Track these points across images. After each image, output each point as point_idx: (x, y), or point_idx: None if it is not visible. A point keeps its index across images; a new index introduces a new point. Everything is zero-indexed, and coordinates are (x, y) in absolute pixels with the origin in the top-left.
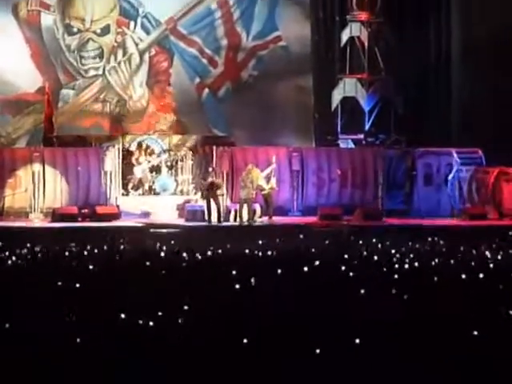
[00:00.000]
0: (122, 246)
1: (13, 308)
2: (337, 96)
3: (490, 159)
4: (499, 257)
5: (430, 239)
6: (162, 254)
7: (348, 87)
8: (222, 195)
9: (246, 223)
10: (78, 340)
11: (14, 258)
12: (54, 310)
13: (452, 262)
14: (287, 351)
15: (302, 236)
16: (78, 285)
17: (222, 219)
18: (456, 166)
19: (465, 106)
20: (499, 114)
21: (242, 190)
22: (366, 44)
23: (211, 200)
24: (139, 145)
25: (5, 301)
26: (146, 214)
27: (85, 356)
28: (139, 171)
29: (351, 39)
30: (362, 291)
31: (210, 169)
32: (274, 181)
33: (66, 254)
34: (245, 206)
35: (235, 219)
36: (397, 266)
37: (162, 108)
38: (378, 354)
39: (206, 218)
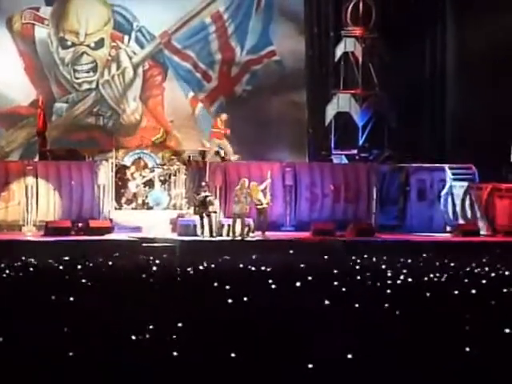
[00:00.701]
0: (115, 260)
1: (6, 321)
2: (330, 111)
3: (483, 175)
4: (492, 273)
5: (423, 255)
6: (155, 268)
7: (342, 102)
8: (215, 212)
9: (239, 238)
10: (71, 354)
11: (7, 271)
12: (47, 323)
13: (445, 277)
14: (280, 365)
15: (294, 251)
16: (71, 298)
17: (214, 234)
18: (449, 181)
19: (459, 122)
20: (493, 130)
21: (235, 204)
22: (360, 59)
23: (204, 214)
24: (135, 160)
25: None
26: (138, 229)
27: (78, 369)
28: (134, 186)
29: (345, 54)
30: (356, 306)
31: (203, 183)
32: (269, 196)
33: (59, 267)
34: (238, 220)
35: (228, 234)
36: (390, 281)
37: (216, 134)
38: (370, 369)
39: (199, 232)
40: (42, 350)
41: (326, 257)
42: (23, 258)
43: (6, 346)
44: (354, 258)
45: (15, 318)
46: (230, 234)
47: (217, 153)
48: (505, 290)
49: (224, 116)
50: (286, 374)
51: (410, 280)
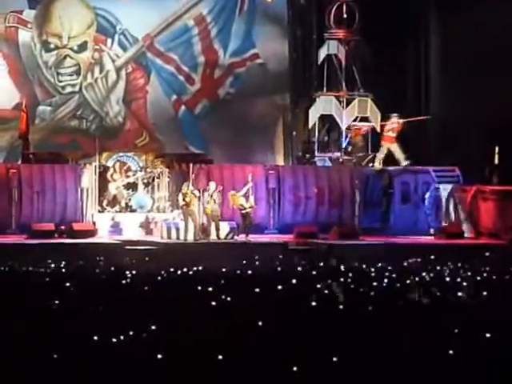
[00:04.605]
0: (98, 263)
1: None
2: (314, 114)
3: (467, 177)
4: (476, 276)
5: (406, 257)
6: (138, 271)
7: (325, 105)
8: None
9: (212, 240)
10: (55, 356)
11: None
12: (31, 326)
13: (428, 280)
14: (262, 368)
15: (278, 254)
16: (55, 302)
17: (197, 237)
18: (433, 184)
19: (443, 124)
20: (477, 132)
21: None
22: (344, 62)
23: (188, 217)
24: (116, 162)
25: None
26: (117, 226)
27: (62, 372)
28: (114, 188)
29: (328, 57)
30: (340, 307)
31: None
32: (252, 199)
33: (42, 270)
34: (213, 223)
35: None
36: (373, 283)
37: (388, 138)
38: (354, 371)
39: (182, 235)
40: (25, 352)
41: (309, 260)
42: (7, 261)
43: None
44: (337, 260)
45: None
46: (203, 236)
47: (385, 158)
48: (484, 293)
49: (399, 120)
50: (271, 375)
51: (393, 282)
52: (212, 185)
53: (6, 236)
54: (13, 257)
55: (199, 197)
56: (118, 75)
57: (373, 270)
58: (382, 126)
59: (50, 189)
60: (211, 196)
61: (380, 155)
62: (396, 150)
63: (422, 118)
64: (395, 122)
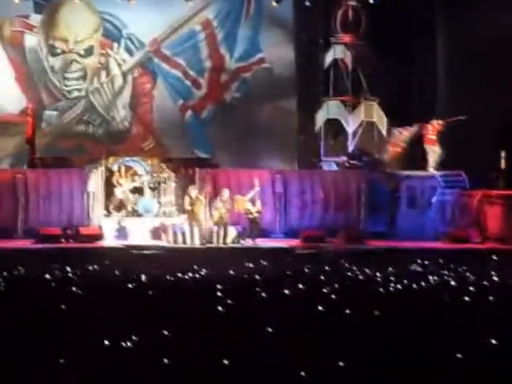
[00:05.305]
0: (105, 268)
1: None
2: (320, 118)
3: (473, 182)
4: (484, 281)
5: (412, 262)
6: (145, 276)
7: (332, 109)
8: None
9: (219, 245)
10: (62, 361)
11: None
12: (37, 331)
13: (434, 284)
14: (271, 373)
15: (284, 258)
16: (62, 306)
17: (204, 241)
18: (440, 188)
19: (448, 128)
20: (483, 136)
21: (213, 212)
22: (350, 66)
23: (193, 222)
24: (122, 166)
25: None
26: (123, 230)
27: (69, 377)
28: (120, 192)
29: (335, 61)
30: (346, 312)
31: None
32: (259, 203)
33: (49, 275)
34: (221, 228)
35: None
36: (380, 288)
37: (430, 141)
38: (362, 377)
39: (189, 240)
40: (31, 358)
41: (315, 264)
42: (14, 266)
43: None
44: (343, 265)
45: (4, 326)
46: (209, 241)
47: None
48: (491, 298)
49: (438, 122)
50: (278, 381)
51: (399, 287)
52: (226, 192)
53: (12, 241)
54: (19, 261)
55: (206, 202)
56: (124, 80)
57: (379, 274)
58: (423, 130)
59: (57, 193)
60: (224, 203)
61: (430, 158)
62: (437, 152)
63: (459, 118)
64: (435, 124)
